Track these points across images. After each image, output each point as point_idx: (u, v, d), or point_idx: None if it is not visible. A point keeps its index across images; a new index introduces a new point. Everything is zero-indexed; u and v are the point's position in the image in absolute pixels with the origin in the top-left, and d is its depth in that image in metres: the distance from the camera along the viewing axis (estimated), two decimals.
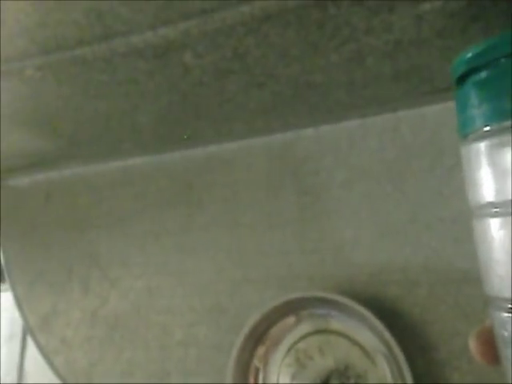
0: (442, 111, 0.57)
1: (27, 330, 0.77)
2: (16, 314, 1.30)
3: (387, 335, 0.49)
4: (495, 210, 0.22)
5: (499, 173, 0.22)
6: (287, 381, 0.56)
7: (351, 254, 0.61)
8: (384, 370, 0.51)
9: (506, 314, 0.22)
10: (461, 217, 0.53)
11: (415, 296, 0.54)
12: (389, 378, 0.51)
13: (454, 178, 0.56)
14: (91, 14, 0.34)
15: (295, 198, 0.66)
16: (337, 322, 0.55)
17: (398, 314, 0.54)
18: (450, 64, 0.27)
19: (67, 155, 0.76)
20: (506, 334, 0.22)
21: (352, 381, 0.53)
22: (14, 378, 1.26)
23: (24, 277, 0.81)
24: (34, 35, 0.36)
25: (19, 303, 0.79)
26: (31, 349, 1.30)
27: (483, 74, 0.23)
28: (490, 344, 0.23)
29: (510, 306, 0.21)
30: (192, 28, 0.35)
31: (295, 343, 0.57)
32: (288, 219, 0.66)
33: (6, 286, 1.37)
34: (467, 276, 0.52)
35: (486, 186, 0.22)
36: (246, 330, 0.55)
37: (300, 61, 0.42)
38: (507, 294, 0.21)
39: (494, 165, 0.22)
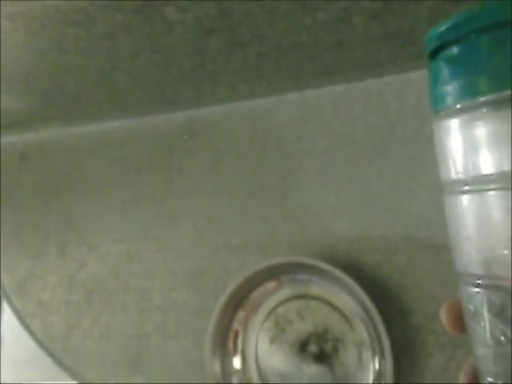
0: (427, 76, 0.56)
1: (2, 296, 0.75)
2: None
3: (366, 300, 0.50)
4: (465, 187, 0.22)
5: (470, 150, 0.22)
6: (266, 344, 0.57)
7: (332, 220, 0.61)
8: (362, 333, 0.52)
9: (473, 289, 0.22)
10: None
11: (394, 262, 0.55)
12: (366, 342, 0.52)
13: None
14: None
15: (278, 164, 0.65)
16: (317, 287, 0.55)
17: (377, 280, 0.55)
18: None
19: (43, 116, 0.73)
20: (471, 307, 0.23)
21: (330, 344, 0.54)
22: None
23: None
24: None
25: None
26: (7, 314, 1.29)
27: (454, 50, 0.22)
28: (459, 316, 0.24)
29: (476, 281, 0.22)
30: None
31: (275, 308, 0.57)
32: (270, 185, 0.65)
33: None
34: (446, 243, 0.52)
35: (457, 162, 0.22)
36: (226, 293, 0.55)
37: (286, 19, 0.40)
38: (474, 270, 0.22)
39: (465, 142, 0.22)
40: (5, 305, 1.30)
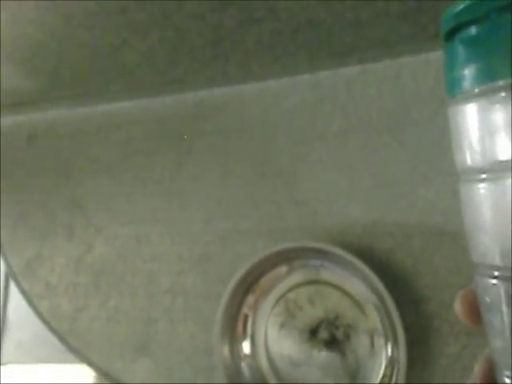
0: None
1: (10, 277, 0.75)
2: None
3: (379, 286, 0.49)
4: (482, 174, 0.21)
5: (487, 135, 0.21)
6: (275, 329, 0.56)
7: (345, 205, 0.60)
8: (374, 320, 0.51)
9: (489, 281, 0.21)
10: None
11: (409, 248, 0.53)
12: (379, 329, 0.51)
13: None
14: None
15: (289, 147, 0.64)
16: (328, 273, 0.54)
17: (391, 266, 0.54)
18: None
19: (50, 95, 0.72)
20: (488, 299, 0.22)
21: (341, 330, 0.53)
22: None
23: (6, 220, 0.79)
24: None
25: (2, 247, 0.76)
26: (14, 298, 1.29)
27: (472, 30, 0.21)
28: (474, 306, 0.23)
29: (494, 272, 0.21)
30: None
31: (285, 293, 0.56)
32: (281, 169, 0.64)
33: None
34: (462, 230, 0.51)
35: (473, 149, 0.21)
36: (236, 277, 0.54)
37: None
38: (491, 261, 0.21)
39: (482, 127, 0.21)
40: (11, 287, 1.30)
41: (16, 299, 1.27)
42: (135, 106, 0.73)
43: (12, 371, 1.35)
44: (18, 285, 0.74)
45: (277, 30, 0.46)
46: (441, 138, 0.55)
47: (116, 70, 0.60)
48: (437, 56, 0.54)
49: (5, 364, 1.29)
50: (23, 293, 0.74)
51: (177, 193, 0.69)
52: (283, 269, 0.55)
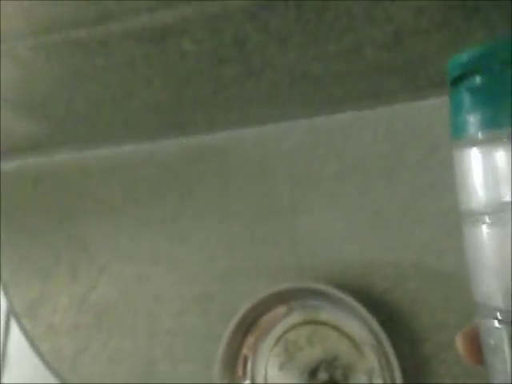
0: (436, 105, 0.57)
1: (11, 315, 0.76)
2: None
3: (376, 327, 0.49)
4: (485, 217, 0.22)
5: (490, 180, 0.22)
6: (275, 370, 0.57)
7: (342, 246, 0.61)
8: (372, 361, 0.52)
9: (493, 323, 0.21)
10: (452, 211, 0.54)
11: (405, 289, 0.54)
12: (377, 370, 0.51)
13: (446, 171, 0.57)
14: None
15: (288, 189, 0.66)
16: (326, 313, 0.55)
17: (387, 307, 0.55)
18: (448, 58, 0.27)
19: (57, 140, 0.75)
20: (491, 341, 0.22)
21: (340, 371, 0.53)
22: None
23: (10, 261, 0.80)
24: (29, 15, 0.35)
25: (5, 288, 0.77)
26: (15, 334, 1.29)
27: (477, 80, 0.23)
28: (476, 345, 0.23)
29: (497, 314, 0.21)
30: (190, 13, 0.35)
31: (284, 333, 0.57)
32: (280, 210, 0.66)
33: None
34: (457, 270, 0.52)
35: (477, 192, 0.22)
36: (236, 318, 0.55)
37: (298, 50, 0.41)
38: (495, 303, 0.21)
39: (486, 172, 0.22)
40: (12, 325, 1.30)
41: (17, 337, 1.27)
42: (138, 149, 0.75)
43: None
44: (21, 326, 0.75)
45: (274, 82, 0.49)
46: (433, 181, 0.57)
47: (120, 117, 0.63)
48: (427, 104, 0.57)
49: None
50: (25, 333, 0.74)
51: (178, 233, 0.71)
52: (282, 309, 0.56)
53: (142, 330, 0.70)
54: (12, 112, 0.60)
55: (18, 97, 0.54)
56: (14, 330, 1.31)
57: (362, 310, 0.51)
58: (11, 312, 0.76)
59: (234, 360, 0.57)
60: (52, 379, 1.07)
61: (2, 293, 1.27)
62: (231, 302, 0.65)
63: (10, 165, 0.82)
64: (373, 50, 0.41)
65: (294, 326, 0.57)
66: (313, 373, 0.55)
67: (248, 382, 0.57)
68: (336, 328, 0.55)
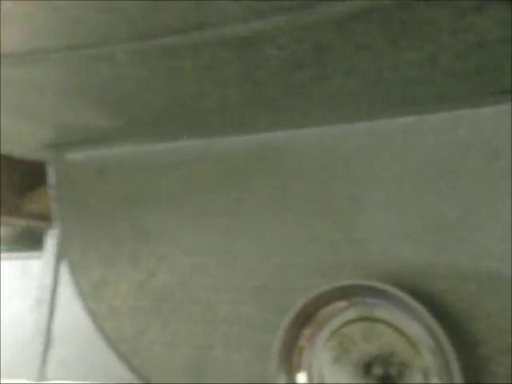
0: (501, 112, 0.57)
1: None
2: (45, 280, 1.36)
3: (435, 326, 0.51)
4: None
5: None
6: (330, 363, 0.59)
7: (398, 247, 0.62)
8: (428, 359, 0.53)
9: None
10: None
11: (464, 291, 0.56)
12: (433, 369, 0.53)
13: (508, 178, 0.57)
14: (190, 2, 0.36)
15: (345, 189, 0.68)
16: (384, 311, 0.57)
17: (445, 308, 0.56)
18: None
19: (125, 134, 0.79)
20: None
21: (395, 368, 0.55)
22: (41, 342, 1.33)
23: (76, 246, 0.85)
24: (135, 22, 0.38)
25: (73, 270, 0.83)
26: (59, 314, 1.36)
27: None
28: None
29: None
30: (283, 22, 0.37)
31: (340, 328, 0.59)
32: (337, 209, 0.68)
33: (37, 253, 1.43)
34: None
35: None
36: (295, 309, 0.58)
37: (376, 57, 0.43)
38: None
39: None
40: (57, 306, 1.37)
41: (61, 318, 1.34)
42: (199, 144, 0.79)
43: None
44: (86, 306, 0.80)
45: (344, 86, 0.51)
46: (495, 187, 0.58)
47: (190, 115, 0.66)
48: (492, 111, 0.58)
49: (49, 380, 1.34)
50: (90, 314, 0.79)
51: (235, 227, 0.74)
52: (341, 304, 0.58)
53: (198, 318, 0.73)
54: (92, 108, 0.65)
55: (101, 95, 0.58)
56: (58, 311, 1.38)
57: (421, 310, 0.52)
58: (78, 293, 0.81)
59: (290, 350, 0.59)
60: (92, 357, 1.15)
61: (54, 276, 1.34)
62: (285, 295, 0.68)
63: (78, 155, 0.88)
64: (448, 58, 0.43)
65: (349, 322, 0.59)
66: (367, 367, 0.57)
67: (304, 372, 0.59)
68: (392, 326, 0.56)
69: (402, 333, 0.56)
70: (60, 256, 1.41)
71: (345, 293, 0.58)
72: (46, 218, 1.31)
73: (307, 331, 0.60)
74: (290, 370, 0.60)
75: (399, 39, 0.39)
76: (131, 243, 0.81)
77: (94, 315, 0.80)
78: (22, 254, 1.47)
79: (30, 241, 1.52)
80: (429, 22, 0.36)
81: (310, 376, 0.59)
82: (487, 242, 0.56)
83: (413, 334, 0.55)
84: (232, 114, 0.67)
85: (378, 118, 0.66)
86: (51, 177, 0.88)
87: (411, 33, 0.38)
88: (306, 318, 0.59)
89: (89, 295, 0.82)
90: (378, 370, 0.56)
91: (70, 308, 1.35)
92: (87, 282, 0.82)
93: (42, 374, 1.33)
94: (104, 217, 0.85)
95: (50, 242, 1.43)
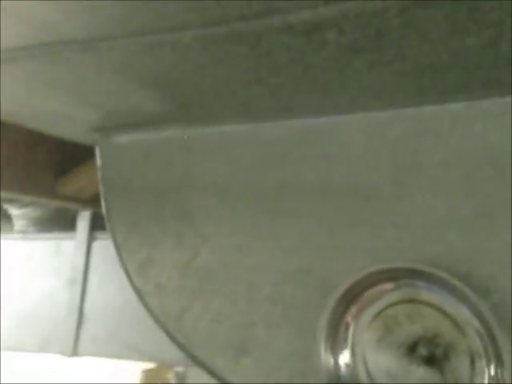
0: None
1: (126, 275, 0.84)
2: (77, 260, 1.41)
3: (483, 308, 0.52)
4: None
5: None
6: (373, 342, 0.61)
7: (444, 232, 0.63)
8: (475, 341, 0.54)
9: None
10: None
11: (509, 276, 0.56)
12: (480, 350, 0.54)
13: None
14: None
15: (391, 175, 0.69)
16: (428, 294, 0.58)
17: (490, 292, 0.57)
18: None
19: (173, 118, 0.81)
20: None
21: (441, 349, 0.56)
22: (74, 320, 1.38)
23: (121, 227, 0.88)
24: (202, 9, 0.40)
25: (118, 249, 0.86)
26: (91, 294, 1.41)
27: None
28: None
29: None
30: (351, 8, 0.38)
31: (384, 309, 0.61)
32: (382, 194, 0.69)
33: (70, 234, 1.48)
34: None
35: None
36: (344, 285, 0.60)
37: (436, 42, 0.44)
38: None
39: None
40: (89, 286, 1.41)
41: (92, 296, 1.39)
42: (244, 129, 0.80)
43: (88, 364, 1.46)
44: (132, 283, 0.83)
45: (400, 72, 0.51)
46: None
47: (238, 100, 0.68)
48: None
49: (82, 356, 1.40)
50: (136, 291, 0.83)
51: (279, 209, 0.76)
52: (389, 285, 0.60)
53: (241, 296, 0.76)
54: (146, 92, 0.67)
55: (157, 79, 0.60)
56: (90, 289, 1.43)
57: (469, 292, 0.53)
58: (124, 271, 0.84)
59: (336, 327, 0.61)
60: (122, 336, 1.19)
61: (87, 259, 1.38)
62: (328, 277, 0.69)
63: (124, 138, 0.90)
64: (509, 43, 0.43)
65: (395, 303, 0.60)
66: (411, 348, 0.59)
67: (348, 350, 0.61)
68: (438, 308, 0.58)
69: (447, 315, 0.57)
70: (92, 238, 1.47)
71: (392, 275, 0.59)
72: (79, 199, 1.36)
73: (353, 309, 0.61)
74: (335, 347, 0.62)
75: (462, 24, 0.40)
76: (175, 224, 0.84)
77: (139, 293, 0.83)
78: (56, 235, 1.53)
79: (63, 222, 1.58)
80: (497, 7, 0.37)
81: (353, 354, 0.61)
82: None
83: (459, 317, 0.56)
84: (280, 98, 0.68)
85: (424, 104, 0.66)
86: (97, 159, 0.91)
87: (476, 17, 0.39)
88: (353, 296, 0.61)
89: (135, 274, 0.85)
90: (423, 351, 0.57)
91: (101, 288, 1.40)
92: (133, 261, 0.85)
93: (75, 350, 1.39)
94: (149, 198, 0.87)
95: (83, 223, 1.48)
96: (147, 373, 1.39)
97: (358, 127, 0.71)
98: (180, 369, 1.40)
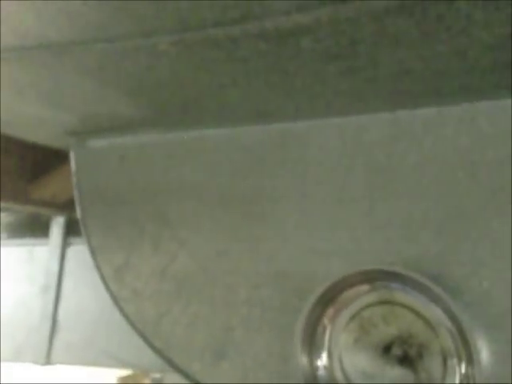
0: None
1: (102, 281, 0.83)
2: (51, 266, 1.38)
3: (454, 308, 0.53)
4: None
5: None
6: (350, 344, 0.62)
7: (418, 233, 0.65)
8: (447, 341, 0.56)
9: None
10: None
11: (480, 276, 0.58)
12: (452, 349, 0.55)
13: None
14: None
15: (365, 178, 0.70)
16: (403, 295, 0.60)
17: (462, 293, 0.58)
18: None
19: (149, 122, 0.81)
20: None
21: (414, 349, 0.58)
22: (47, 328, 1.36)
23: (97, 231, 0.87)
24: (179, 15, 0.40)
25: (94, 254, 0.85)
26: (65, 300, 1.39)
27: None
28: None
29: None
30: (324, 15, 0.39)
31: (360, 310, 0.62)
32: (357, 197, 0.70)
33: (44, 240, 1.45)
34: None
35: None
36: (320, 289, 0.60)
37: (407, 50, 0.45)
38: None
39: None
40: (63, 292, 1.39)
41: (67, 303, 1.37)
42: (221, 133, 0.81)
43: (61, 372, 1.43)
44: (108, 289, 0.82)
45: (372, 78, 0.53)
46: None
47: (215, 105, 0.68)
48: None
49: (56, 364, 1.37)
50: (112, 296, 0.82)
51: (257, 213, 0.76)
52: (364, 287, 0.61)
53: (219, 300, 0.76)
54: (121, 96, 0.66)
55: (133, 84, 0.60)
56: (64, 297, 1.41)
57: (442, 293, 0.55)
58: (100, 276, 0.83)
59: (313, 328, 0.62)
60: (97, 343, 1.18)
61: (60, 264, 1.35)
62: (305, 280, 0.70)
63: (99, 143, 0.89)
64: (477, 51, 0.44)
65: (370, 305, 0.61)
66: (386, 349, 0.60)
67: (325, 351, 0.62)
68: (412, 309, 0.59)
69: (421, 316, 0.58)
70: (66, 243, 1.44)
71: (367, 277, 0.60)
72: (52, 205, 1.34)
73: (330, 311, 0.62)
74: (312, 349, 0.62)
75: (433, 32, 0.41)
76: (153, 228, 0.83)
77: (115, 298, 0.82)
78: (29, 240, 1.50)
79: (37, 227, 1.55)
80: (464, 17, 0.38)
81: (330, 356, 0.62)
82: (507, 230, 0.58)
83: (432, 317, 0.57)
84: (257, 103, 0.69)
85: (398, 108, 0.68)
86: (72, 163, 0.90)
87: (445, 26, 0.40)
88: (329, 298, 0.62)
89: (111, 279, 0.84)
90: (397, 351, 0.59)
91: (76, 294, 1.38)
92: (109, 265, 0.84)
93: (48, 358, 1.37)
94: (125, 203, 0.87)
95: (57, 229, 1.45)
96: (123, 379, 1.37)
97: (334, 131, 0.72)
98: (157, 375, 1.39)
